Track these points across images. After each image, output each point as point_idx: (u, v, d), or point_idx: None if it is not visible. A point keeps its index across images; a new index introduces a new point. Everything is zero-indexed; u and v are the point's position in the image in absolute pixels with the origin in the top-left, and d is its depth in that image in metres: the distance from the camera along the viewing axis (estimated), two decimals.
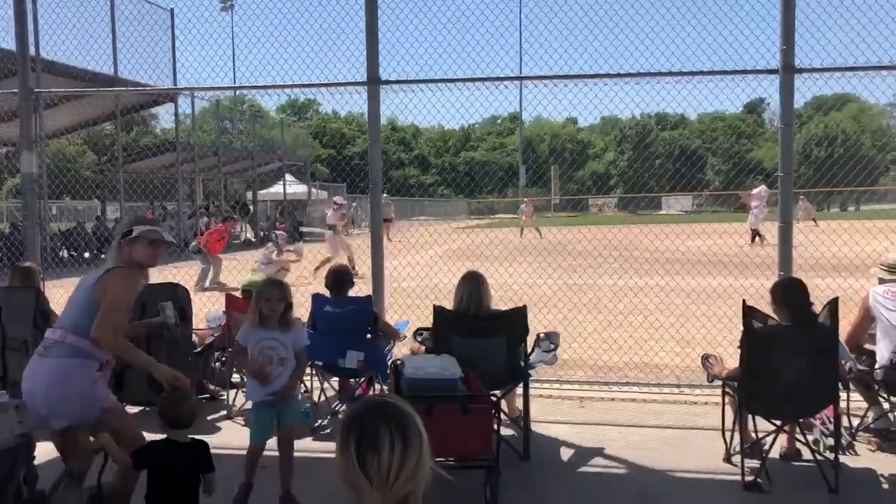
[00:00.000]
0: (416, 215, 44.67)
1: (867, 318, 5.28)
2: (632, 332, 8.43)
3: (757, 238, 21.50)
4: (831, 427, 4.82)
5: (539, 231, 27.23)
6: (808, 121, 54.42)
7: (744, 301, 4.63)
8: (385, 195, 28.43)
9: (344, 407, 6.03)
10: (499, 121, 79.76)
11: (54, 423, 3.71)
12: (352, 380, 6.09)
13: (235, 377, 6.58)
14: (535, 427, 5.55)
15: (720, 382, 5.11)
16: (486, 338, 5.20)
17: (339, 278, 5.99)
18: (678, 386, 6.66)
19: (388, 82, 6.76)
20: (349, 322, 5.76)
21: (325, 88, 7.27)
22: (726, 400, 5.14)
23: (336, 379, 6.36)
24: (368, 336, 5.83)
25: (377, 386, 5.93)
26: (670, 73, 6.57)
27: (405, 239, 23.74)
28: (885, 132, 60.00)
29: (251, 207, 35.61)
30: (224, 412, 6.17)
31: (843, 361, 4.81)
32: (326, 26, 7.60)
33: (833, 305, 4.54)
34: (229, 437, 5.46)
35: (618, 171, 67.56)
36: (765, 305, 4.82)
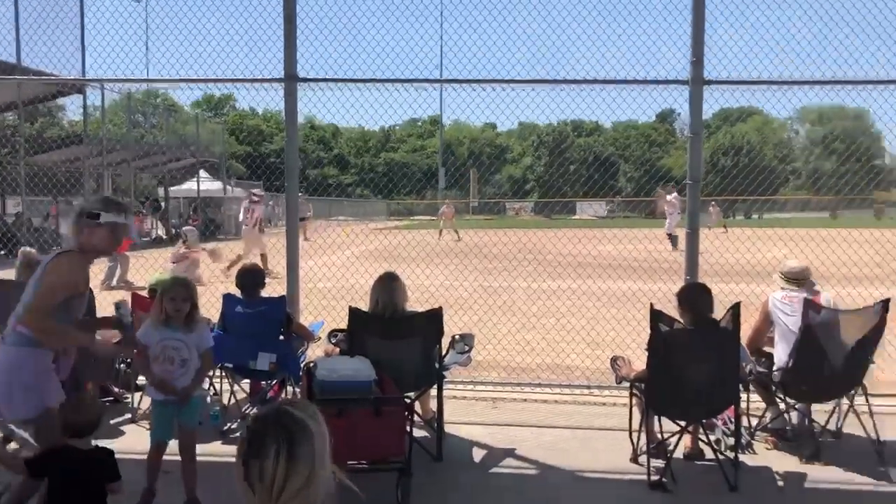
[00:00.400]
0: (334, 215, 44.24)
1: (767, 322, 5.52)
2: (544, 335, 8.56)
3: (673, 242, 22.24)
4: (732, 427, 5.01)
5: (457, 233, 27.40)
6: (716, 131, 56.60)
7: (651, 305, 4.76)
8: (302, 194, 28.10)
9: (255, 410, 5.90)
10: (419, 123, 79.86)
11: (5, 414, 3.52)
12: (263, 382, 5.96)
13: (141, 379, 6.36)
14: (448, 428, 5.56)
15: (628, 384, 5.25)
16: (400, 340, 5.19)
17: (251, 278, 5.87)
18: (588, 387, 6.79)
19: (306, 80, 6.66)
20: (261, 323, 5.63)
21: (243, 84, 7.13)
22: (633, 401, 5.27)
23: (247, 381, 6.23)
24: (281, 337, 5.72)
25: (290, 388, 5.83)
26: (585, 81, 6.71)
27: (322, 239, 23.49)
28: (786, 144, 62.99)
29: (162, 204, 34.53)
30: (129, 416, 5.96)
31: (743, 364, 5.00)
32: (244, 20, 7.43)
33: (735, 310, 4.71)
34: (133, 442, 5.26)
35: (534, 175, 68.62)
36: (672, 309, 4.98)
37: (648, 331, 4.75)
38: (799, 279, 5.48)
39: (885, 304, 5.09)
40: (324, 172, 69.45)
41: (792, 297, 5.37)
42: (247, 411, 5.96)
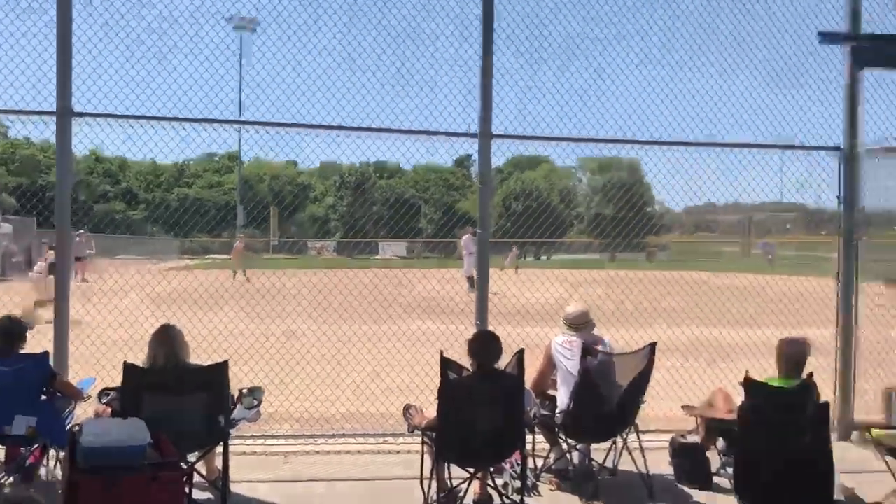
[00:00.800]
0: (120, 253, 41.32)
1: (549, 366, 5.78)
2: (339, 382, 8.42)
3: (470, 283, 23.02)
4: (519, 470, 5.16)
5: (245, 273, 26.44)
6: (508, 177, 59.69)
7: (441, 353, 4.82)
8: (83, 231, 25.97)
9: (11, 480, 5.25)
10: (216, 158, 77.12)
11: None
12: (22, 448, 5.32)
13: None
14: (236, 487, 5.26)
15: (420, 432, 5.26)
16: (182, 396, 4.86)
17: (6, 331, 5.24)
18: (383, 436, 6.74)
19: (82, 115, 6.16)
20: (18, 382, 5.02)
21: (14, 116, 6.44)
22: (425, 449, 5.29)
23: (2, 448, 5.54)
24: (43, 398, 5.15)
25: (52, 454, 5.25)
26: (384, 130, 6.81)
27: (105, 281, 21.77)
28: (571, 191, 67.71)
29: None
30: None
31: (528, 408, 5.19)
32: (18, 45, 6.73)
33: (519, 356, 4.89)
34: None
35: (337, 215, 68.49)
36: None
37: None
38: (578, 324, 5.80)
39: (653, 346, 5.52)
40: (111, 207, 64.91)
41: (572, 341, 5.67)
42: (3, 481, 5.29)
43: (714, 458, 5.82)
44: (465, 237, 24.56)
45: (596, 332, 5.85)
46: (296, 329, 12.28)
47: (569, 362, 5.57)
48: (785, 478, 4.95)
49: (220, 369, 4.97)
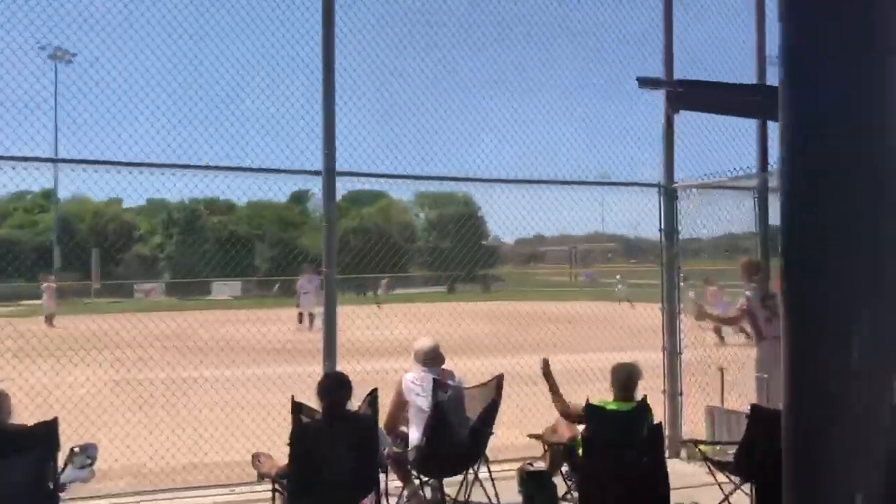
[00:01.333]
0: None
1: (401, 403, 5.80)
2: (180, 433, 7.99)
3: (306, 320, 22.66)
4: None
5: (52, 320, 24.65)
6: (346, 213, 59.58)
7: (292, 397, 4.71)
8: None
9: None
10: (28, 196, 71.46)
11: None
12: None
13: None
14: None
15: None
16: (3, 460, 4.42)
17: None
18: (230, 486, 6.46)
19: None
20: None
21: None
22: (276, 497, 5.13)
23: None
24: None
25: None
26: (225, 168, 6.60)
27: None
28: (408, 226, 68.61)
29: None
30: None
31: (382, 448, 5.17)
32: None
33: (373, 396, 4.87)
34: None
35: (165, 255, 65.33)
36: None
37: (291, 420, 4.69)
38: (429, 359, 5.87)
39: (500, 379, 5.68)
40: None
41: (423, 376, 5.72)
42: None
43: (561, 484, 6.05)
44: (302, 277, 24.11)
45: (446, 365, 5.95)
46: (129, 377, 11.57)
47: (420, 398, 5.61)
48: (626, 498, 5.24)
49: (48, 427, 4.58)
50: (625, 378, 5.57)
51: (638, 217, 7.75)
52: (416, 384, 5.70)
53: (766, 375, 6.97)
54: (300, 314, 23.32)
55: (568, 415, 5.73)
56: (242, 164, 6.65)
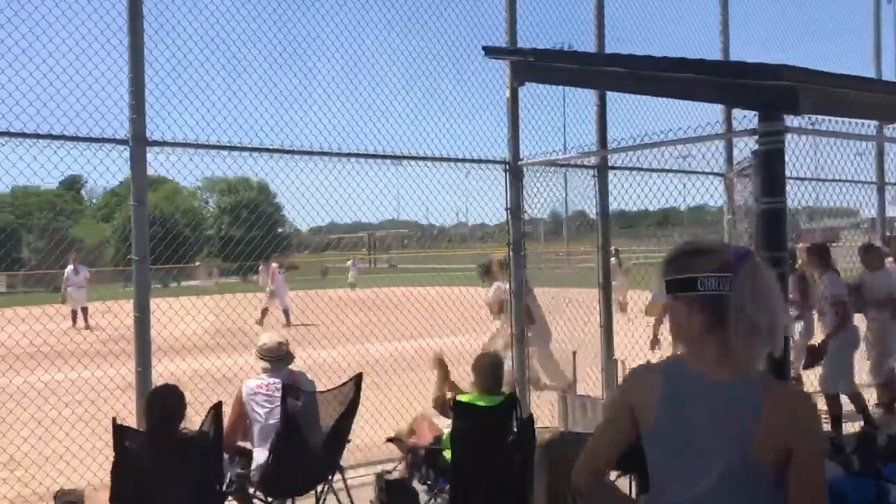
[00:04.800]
0: None
1: (241, 417, 4.89)
2: None
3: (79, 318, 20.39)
4: None
5: None
6: (123, 200, 54.97)
7: (114, 420, 3.71)
8: None
9: None
10: None
11: None
12: None
13: None
14: None
15: None
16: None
17: None
18: None
19: None
20: None
21: None
22: None
23: None
24: None
25: None
26: (19, 135, 5.22)
27: None
28: (197, 212, 64.73)
29: None
30: None
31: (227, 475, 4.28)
32: None
33: (217, 411, 3.98)
34: None
35: None
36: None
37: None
38: (273, 358, 5.01)
39: (359, 378, 4.97)
40: None
41: (269, 384, 4.86)
42: None
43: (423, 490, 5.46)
44: (68, 268, 21.53)
45: (293, 367, 5.13)
46: None
47: (264, 409, 4.76)
48: (499, 499, 4.79)
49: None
50: (487, 368, 5.12)
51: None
52: (260, 393, 4.82)
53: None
54: (73, 312, 20.77)
55: (443, 406, 5.19)
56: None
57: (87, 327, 19.56)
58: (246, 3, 6.52)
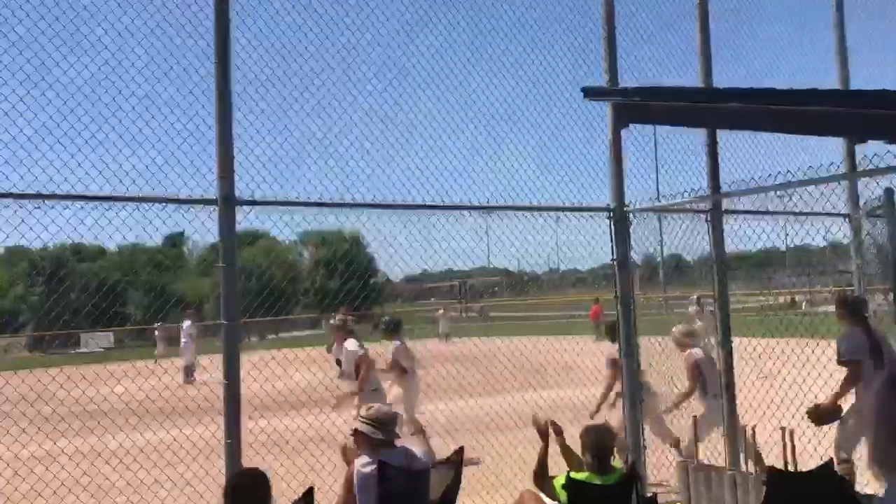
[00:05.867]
0: None
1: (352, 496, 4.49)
2: None
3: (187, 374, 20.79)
4: None
5: None
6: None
7: None
8: None
9: None
10: None
11: None
12: None
13: None
14: None
15: None
16: None
17: None
18: None
19: None
20: None
21: None
22: None
23: None
24: None
25: None
26: (108, 198, 5.11)
27: None
28: (293, 266, 66.23)
29: None
30: None
31: None
32: None
33: (307, 500, 3.60)
34: None
35: (29, 306, 60.25)
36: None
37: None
38: (385, 431, 4.61)
39: (460, 453, 4.52)
40: None
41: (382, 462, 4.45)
42: None
43: None
44: (185, 322, 22.25)
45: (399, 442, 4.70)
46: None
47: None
48: None
49: None
50: (596, 444, 4.58)
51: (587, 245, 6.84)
52: (372, 473, 4.38)
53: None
54: (186, 367, 21.18)
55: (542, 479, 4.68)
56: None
57: (190, 382, 19.95)
58: (341, 62, 6.32)
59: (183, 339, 21.73)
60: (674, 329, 7.87)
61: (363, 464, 4.33)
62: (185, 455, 5.97)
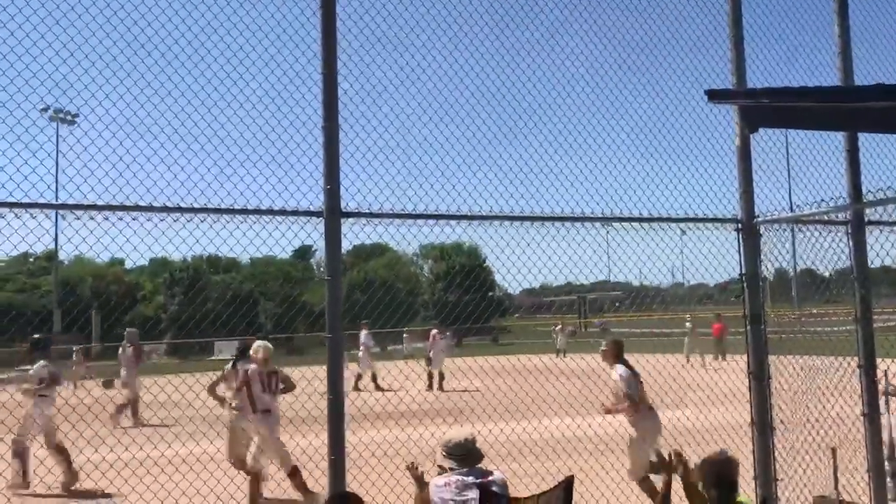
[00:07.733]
0: None
1: None
2: None
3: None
4: None
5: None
6: (350, 268, 58.12)
7: None
8: None
9: None
10: (32, 259, 70.31)
11: None
12: None
13: None
14: None
15: None
16: None
17: None
18: None
19: None
20: None
21: None
22: None
23: None
24: None
25: None
26: (217, 210, 5.18)
27: None
28: (412, 279, 67.08)
29: None
30: None
31: None
32: None
33: None
34: None
35: (169, 315, 63.93)
36: None
37: None
38: (465, 455, 4.41)
39: (570, 482, 4.23)
40: None
41: (457, 481, 4.25)
42: None
43: None
44: (363, 333, 22.41)
45: (489, 467, 4.48)
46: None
47: None
48: None
49: None
50: (717, 478, 4.15)
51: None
52: (448, 490, 4.21)
53: None
54: (357, 375, 21.54)
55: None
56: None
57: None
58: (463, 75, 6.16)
59: (360, 351, 22.04)
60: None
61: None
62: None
